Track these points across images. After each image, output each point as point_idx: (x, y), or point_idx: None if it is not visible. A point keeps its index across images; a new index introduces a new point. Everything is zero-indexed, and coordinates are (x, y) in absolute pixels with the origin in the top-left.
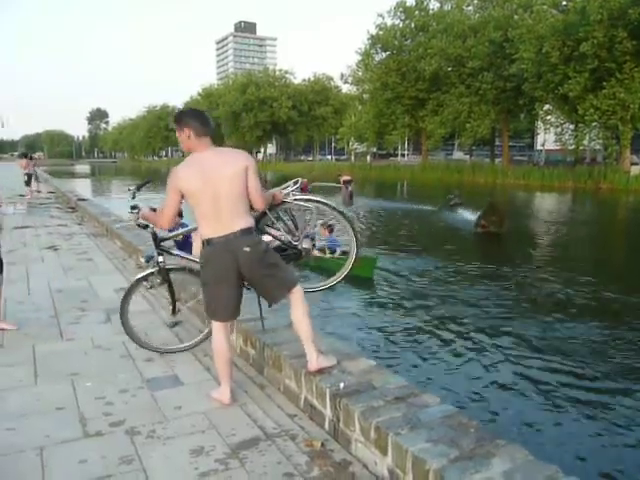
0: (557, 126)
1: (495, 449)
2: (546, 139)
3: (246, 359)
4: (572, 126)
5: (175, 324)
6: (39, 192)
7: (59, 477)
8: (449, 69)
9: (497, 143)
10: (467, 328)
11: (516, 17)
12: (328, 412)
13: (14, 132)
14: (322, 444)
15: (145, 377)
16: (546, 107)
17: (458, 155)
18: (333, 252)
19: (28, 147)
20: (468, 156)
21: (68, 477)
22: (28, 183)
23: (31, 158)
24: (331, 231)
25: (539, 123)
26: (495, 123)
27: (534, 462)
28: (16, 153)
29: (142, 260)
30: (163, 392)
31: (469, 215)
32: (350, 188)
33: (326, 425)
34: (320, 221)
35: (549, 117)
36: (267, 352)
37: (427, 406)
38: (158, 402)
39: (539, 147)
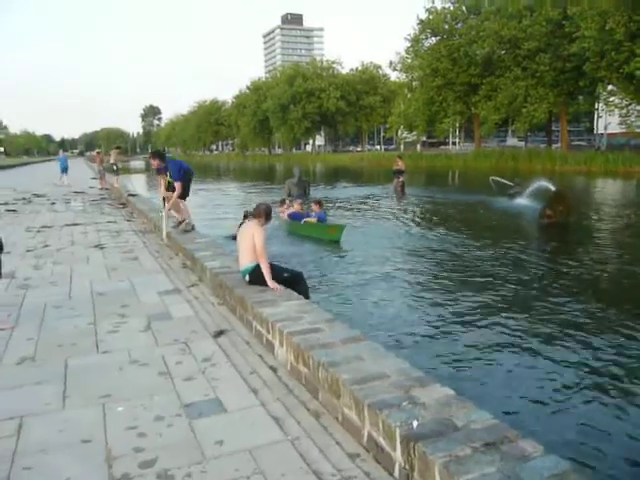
0: (622, 108)
1: None
2: (609, 122)
3: (298, 378)
4: (639, 107)
5: (220, 333)
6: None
7: None
8: (503, 52)
9: (554, 128)
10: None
11: None
12: (399, 456)
13: (74, 131)
14: None
15: (183, 401)
16: (609, 88)
17: (512, 142)
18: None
19: (87, 144)
20: (523, 143)
21: None
22: (117, 172)
23: (98, 153)
24: (320, 206)
25: (601, 105)
26: (553, 107)
27: None
28: (76, 151)
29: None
30: (203, 421)
31: (530, 204)
32: (402, 178)
33: (396, 472)
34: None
35: (613, 98)
36: (322, 373)
37: (527, 457)
38: (197, 435)
39: (600, 131)
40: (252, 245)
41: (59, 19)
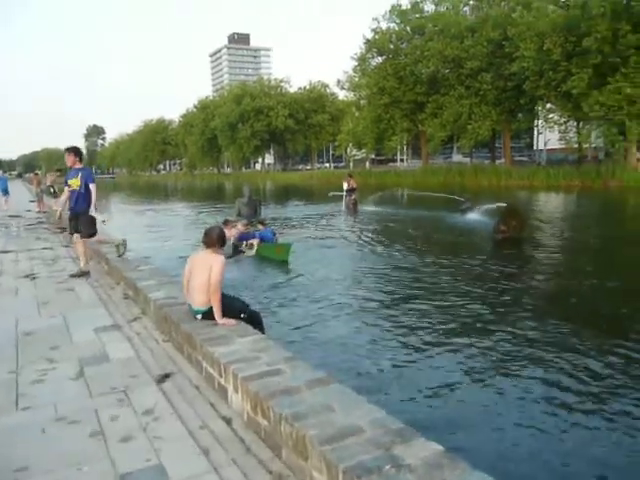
0: (560, 124)
1: None
2: (549, 139)
3: (256, 431)
4: (576, 124)
5: (164, 377)
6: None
7: None
8: (447, 71)
9: (497, 144)
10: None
11: (515, 15)
12: None
13: (11, 151)
14: None
15: (119, 470)
16: (548, 106)
17: (457, 158)
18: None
19: (26, 166)
20: (468, 159)
21: None
22: (55, 195)
23: (36, 174)
24: (264, 225)
25: (541, 122)
26: (496, 124)
27: None
28: (14, 172)
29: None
30: None
31: (481, 218)
32: (354, 196)
33: None
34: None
35: (552, 115)
36: (285, 428)
37: None
38: None
39: (540, 147)
40: (208, 279)
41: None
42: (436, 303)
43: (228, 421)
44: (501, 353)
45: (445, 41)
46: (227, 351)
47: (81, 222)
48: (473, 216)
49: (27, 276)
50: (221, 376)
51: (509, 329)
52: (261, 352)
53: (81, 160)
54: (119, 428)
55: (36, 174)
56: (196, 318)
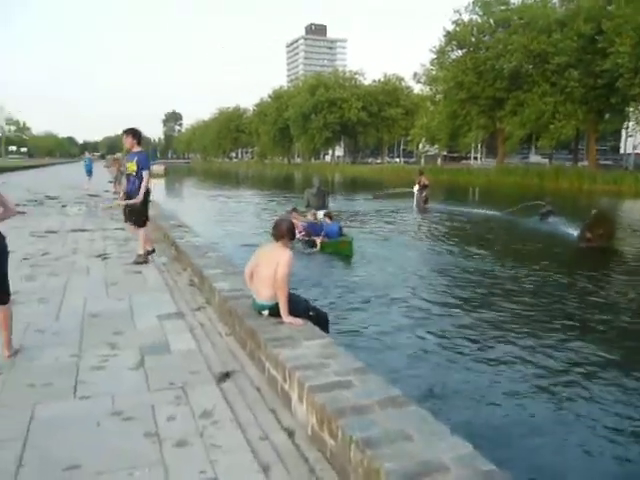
0: None
1: None
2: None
3: (321, 449)
4: None
5: (225, 376)
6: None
7: None
8: (531, 66)
9: (578, 146)
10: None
11: (611, 7)
12: None
13: (97, 133)
14: None
15: None
16: None
17: (535, 158)
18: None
19: (109, 147)
20: (547, 160)
21: None
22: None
23: (116, 158)
24: (331, 218)
25: (631, 124)
26: (581, 124)
27: None
28: (97, 154)
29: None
30: None
31: (563, 226)
32: (425, 193)
33: None
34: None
35: None
36: (355, 453)
37: None
38: None
39: (629, 150)
40: (274, 274)
41: (82, 20)
42: (510, 315)
43: (291, 433)
44: (589, 379)
45: (531, 35)
46: (293, 355)
47: (132, 211)
48: (554, 221)
49: (99, 256)
50: (285, 381)
51: (594, 351)
52: (329, 359)
53: (139, 143)
54: (175, 430)
55: (116, 158)
56: (261, 314)
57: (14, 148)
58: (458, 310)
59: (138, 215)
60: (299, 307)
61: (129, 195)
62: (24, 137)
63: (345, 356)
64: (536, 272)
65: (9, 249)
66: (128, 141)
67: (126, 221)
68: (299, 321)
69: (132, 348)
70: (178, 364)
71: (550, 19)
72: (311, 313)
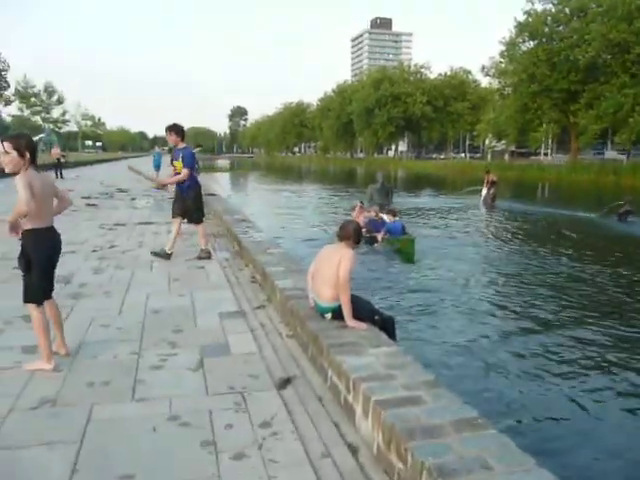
0: None
1: None
2: None
3: (388, 471)
4: None
5: (286, 382)
6: None
7: None
8: (609, 57)
9: None
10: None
11: None
12: None
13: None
14: None
15: None
16: None
17: (611, 154)
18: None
19: None
20: (624, 156)
21: None
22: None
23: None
24: (394, 215)
25: None
26: None
27: None
28: (166, 148)
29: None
30: None
31: None
32: (493, 190)
33: None
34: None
35: None
36: None
37: None
38: None
39: None
40: (336, 274)
41: (155, 17)
42: (590, 327)
43: (354, 450)
44: None
45: (610, 23)
46: (358, 364)
47: (187, 208)
48: (633, 221)
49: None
50: (349, 392)
51: None
52: (397, 370)
53: (183, 139)
54: (233, 440)
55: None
56: (324, 317)
57: (90, 142)
58: (530, 318)
59: (193, 211)
60: (363, 310)
61: (180, 192)
62: (99, 132)
63: (414, 367)
64: (611, 277)
65: (81, 239)
66: (172, 138)
67: (173, 216)
68: (363, 325)
69: (192, 347)
70: (238, 367)
71: (631, 6)
72: (376, 317)
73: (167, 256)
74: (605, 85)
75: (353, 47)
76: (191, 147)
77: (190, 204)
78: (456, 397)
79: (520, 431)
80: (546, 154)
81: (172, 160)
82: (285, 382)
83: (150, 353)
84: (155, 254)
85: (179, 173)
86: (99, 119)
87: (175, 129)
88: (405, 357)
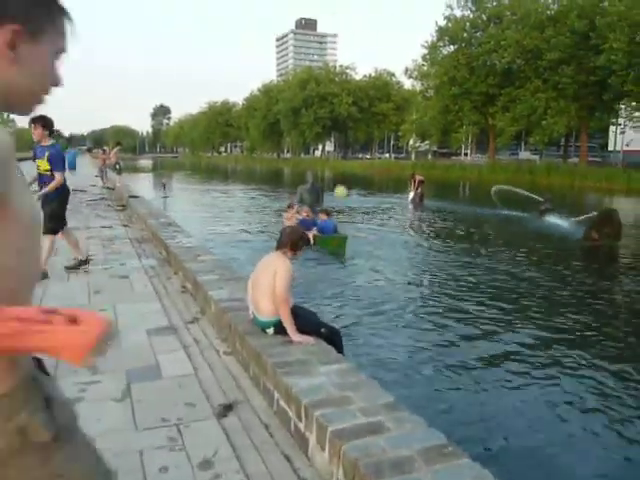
0: None
1: None
2: (632, 139)
3: None
4: None
5: (227, 409)
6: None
7: None
8: (523, 62)
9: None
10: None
11: (604, 4)
12: None
13: (82, 127)
14: None
15: None
16: (634, 103)
17: (525, 155)
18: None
19: (95, 141)
20: (537, 156)
21: None
22: (119, 172)
23: (104, 152)
24: (328, 215)
25: (623, 121)
26: (573, 121)
27: None
28: (84, 147)
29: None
30: None
31: (564, 223)
32: (420, 190)
33: None
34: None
35: (638, 114)
36: None
37: None
38: None
39: (617, 148)
40: (272, 286)
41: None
42: (513, 318)
43: None
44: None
45: (524, 30)
46: (308, 386)
47: (45, 213)
48: (554, 219)
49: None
50: (300, 419)
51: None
52: (352, 391)
53: (51, 134)
54: None
55: (104, 151)
56: (265, 332)
57: None
58: (473, 320)
59: (53, 218)
60: (309, 323)
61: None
62: (8, 130)
63: (369, 386)
64: (535, 271)
65: None
66: (38, 132)
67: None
68: (310, 339)
69: (116, 372)
70: (171, 394)
71: (543, 15)
72: (322, 330)
73: (83, 262)
74: (520, 89)
75: (278, 47)
76: (60, 145)
77: (50, 210)
78: (419, 420)
79: (491, 454)
80: (466, 154)
81: (34, 157)
82: (226, 409)
83: (67, 382)
84: (69, 268)
85: (44, 173)
86: (8, 116)
87: (43, 121)
88: (359, 375)
